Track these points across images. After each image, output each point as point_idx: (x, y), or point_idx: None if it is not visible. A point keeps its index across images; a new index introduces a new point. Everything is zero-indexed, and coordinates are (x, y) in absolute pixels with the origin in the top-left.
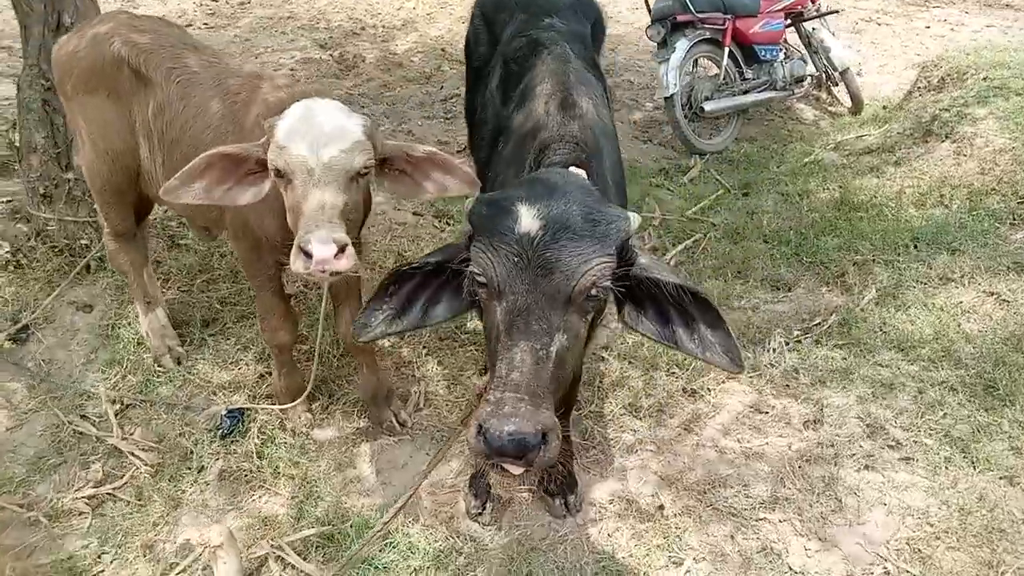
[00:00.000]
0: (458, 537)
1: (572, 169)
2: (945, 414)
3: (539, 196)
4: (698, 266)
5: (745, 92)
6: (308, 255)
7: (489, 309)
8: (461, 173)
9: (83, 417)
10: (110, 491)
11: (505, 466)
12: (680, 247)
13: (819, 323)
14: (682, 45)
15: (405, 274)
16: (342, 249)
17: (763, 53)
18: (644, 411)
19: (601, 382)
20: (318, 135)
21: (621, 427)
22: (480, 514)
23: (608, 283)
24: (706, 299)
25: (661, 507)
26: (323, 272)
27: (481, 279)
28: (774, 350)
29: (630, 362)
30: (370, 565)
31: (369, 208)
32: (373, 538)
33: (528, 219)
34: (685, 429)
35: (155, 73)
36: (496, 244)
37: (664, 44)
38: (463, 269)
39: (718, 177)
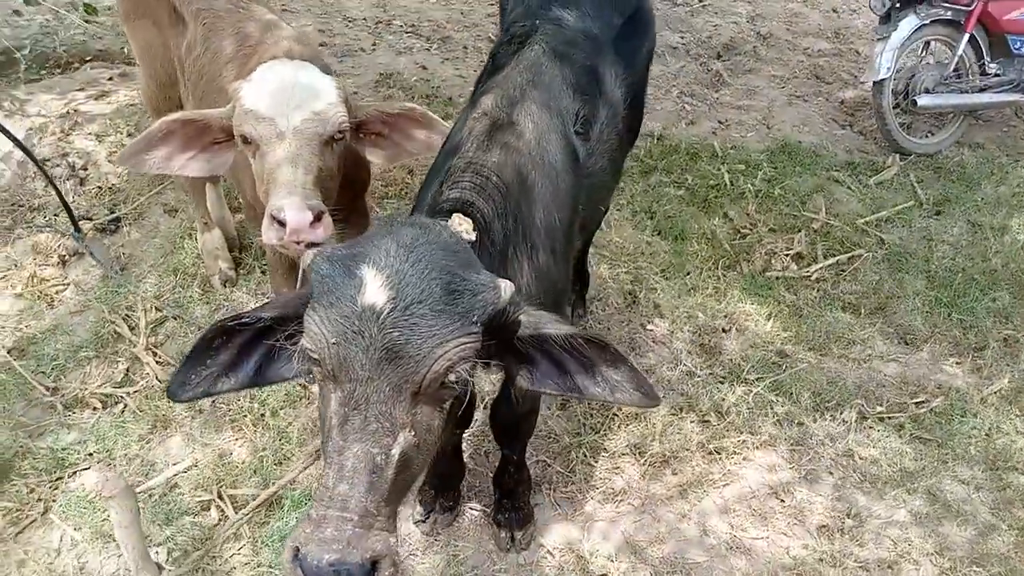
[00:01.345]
0: None
1: (453, 218)
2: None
3: (392, 259)
4: (837, 289)
5: (981, 90)
6: (282, 224)
7: (323, 393)
8: (441, 127)
9: (125, 318)
10: (122, 395)
11: None
12: (829, 261)
13: (918, 403)
14: (908, 23)
15: (234, 329)
16: (318, 218)
17: (1018, 46)
18: (648, 457)
19: (620, 410)
20: (288, 98)
21: (615, 468)
22: (421, 522)
23: (468, 369)
24: (601, 341)
25: None
26: (298, 243)
27: (315, 356)
28: (842, 422)
29: (664, 395)
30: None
31: (368, 176)
32: (250, 512)
33: (375, 288)
34: (681, 492)
35: (186, 11)
36: (334, 317)
37: (887, 19)
38: (296, 336)
39: (915, 185)
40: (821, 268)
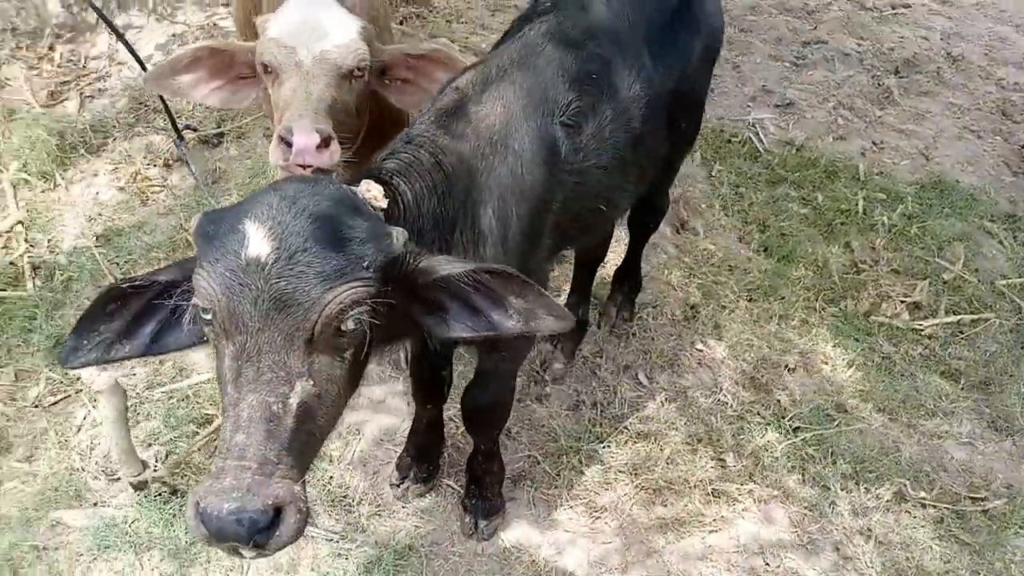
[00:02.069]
0: (359, 493)
1: (363, 183)
2: None
3: (274, 211)
4: (945, 351)
5: None
6: (289, 145)
7: (218, 351)
8: (463, 65)
9: None
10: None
11: (238, 549)
12: (949, 319)
13: (974, 499)
14: None
15: (127, 292)
16: (326, 143)
17: None
18: (643, 481)
19: (631, 426)
20: (311, 30)
21: (605, 483)
22: (395, 486)
23: (363, 314)
24: (504, 271)
25: None
26: (304, 166)
27: (206, 314)
28: (875, 497)
29: (686, 421)
30: None
31: (401, 125)
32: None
33: (258, 240)
34: (662, 526)
35: None
36: (220, 271)
37: None
38: (190, 295)
39: None
40: (937, 324)
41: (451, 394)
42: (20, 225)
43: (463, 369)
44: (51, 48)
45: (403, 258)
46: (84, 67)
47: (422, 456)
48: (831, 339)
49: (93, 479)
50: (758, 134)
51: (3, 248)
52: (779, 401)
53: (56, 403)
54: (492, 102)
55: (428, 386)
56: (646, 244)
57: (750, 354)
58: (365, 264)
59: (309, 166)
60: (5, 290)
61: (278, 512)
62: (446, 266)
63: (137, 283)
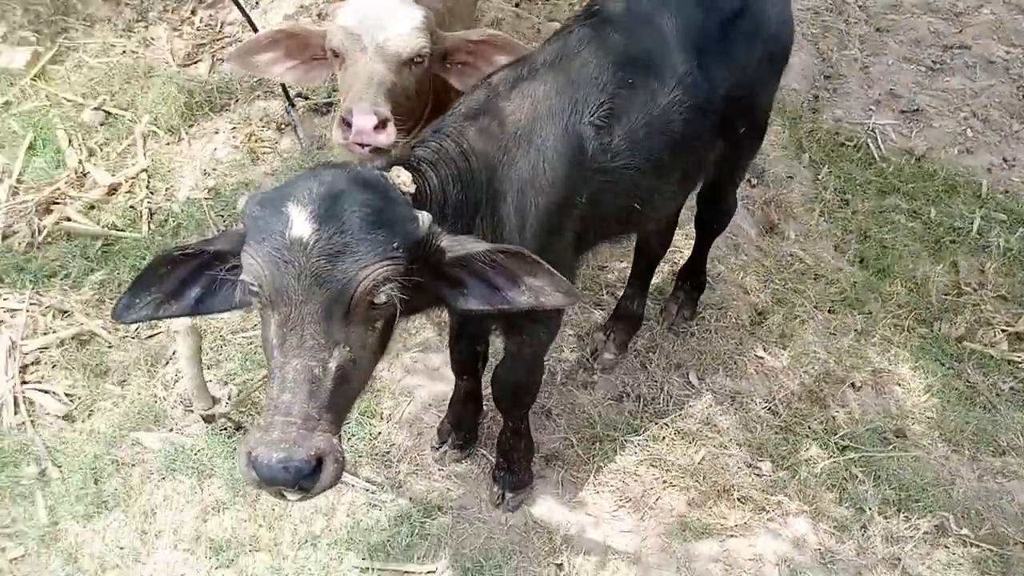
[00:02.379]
0: (402, 451)
1: (393, 169)
2: None
3: (314, 196)
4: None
5: None
6: (349, 125)
7: (263, 320)
8: (520, 49)
9: None
10: None
11: (284, 493)
12: None
13: None
14: None
15: (178, 259)
16: (383, 124)
17: None
18: (672, 478)
19: (673, 423)
20: (376, 19)
21: (634, 474)
22: (435, 449)
23: (394, 290)
24: (518, 251)
25: (560, 566)
26: (362, 146)
27: (254, 287)
28: (913, 527)
29: (728, 427)
30: None
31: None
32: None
33: (300, 222)
34: (682, 525)
35: None
36: (267, 251)
37: None
38: (237, 269)
39: None
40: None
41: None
42: (144, 173)
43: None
44: (193, 12)
45: (428, 239)
46: (219, 32)
47: (460, 424)
48: (912, 360)
49: (172, 408)
50: (876, 140)
51: (127, 192)
52: (834, 418)
53: (151, 337)
54: (520, 99)
55: (464, 360)
56: (711, 245)
57: (814, 367)
58: (395, 245)
59: (367, 145)
60: (124, 231)
61: (319, 461)
62: (466, 246)
63: (188, 251)
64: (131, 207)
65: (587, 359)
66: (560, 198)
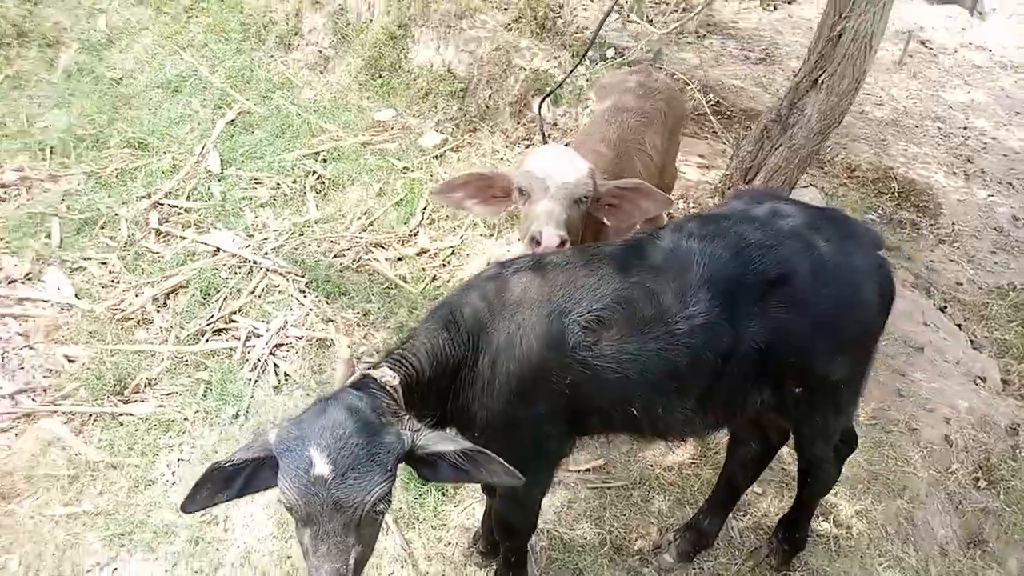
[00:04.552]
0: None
1: (381, 370)
2: None
3: (327, 438)
4: None
5: None
6: (537, 243)
7: (297, 528)
8: (660, 196)
9: None
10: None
11: None
12: None
13: None
14: None
15: (226, 467)
16: (563, 244)
17: None
18: None
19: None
20: (556, 166)
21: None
22: (468, 548)
23: (389, 498)
24: (479, 451)
25: None
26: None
27: (289, 507)
28: None
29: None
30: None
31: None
32: None
33: (320, 464)
34: None
35: None
36: (297, 484)
37: None
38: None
39: None
40: None
41: None
42: (450, 248)
43: None
44: None
45: (411, 448)
46: None
47: (487, 534)
48: None
49: None
50: None
51: (430, 256)
52: None
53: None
54: (526, 279)
55: (486, 489)
56: (810, 507)
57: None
58: (389, 467)
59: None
60: (407, 283)
61: None
62: (438, 445)
63: (233, 462)
64: (422, 269)
65: (647, 552)
66: (531, 370)
